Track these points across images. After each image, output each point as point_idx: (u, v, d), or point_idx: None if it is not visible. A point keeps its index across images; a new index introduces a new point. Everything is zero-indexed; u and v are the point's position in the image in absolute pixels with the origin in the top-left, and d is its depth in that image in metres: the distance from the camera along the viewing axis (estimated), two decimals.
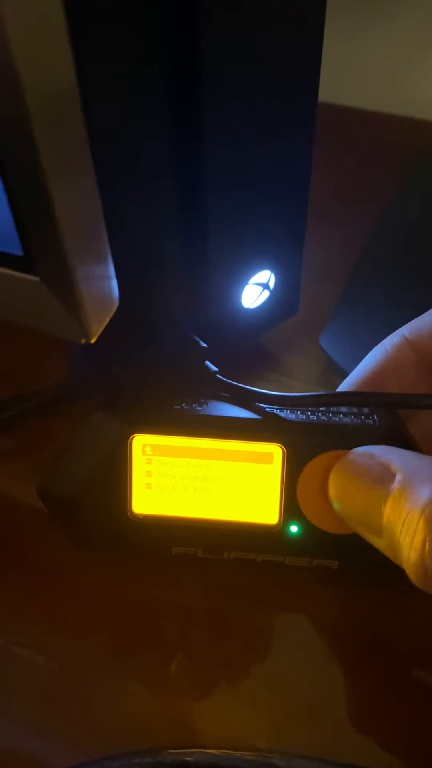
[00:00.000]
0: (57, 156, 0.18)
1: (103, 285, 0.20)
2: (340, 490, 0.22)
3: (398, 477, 0.19)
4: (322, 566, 0.24)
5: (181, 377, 0.27)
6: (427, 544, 0.18)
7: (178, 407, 0.25)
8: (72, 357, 0.33)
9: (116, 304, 0.21)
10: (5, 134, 0.17)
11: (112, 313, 0.21)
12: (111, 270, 0.21)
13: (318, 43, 0.24)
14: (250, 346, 0.33)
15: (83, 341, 0.20)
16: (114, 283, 0.21)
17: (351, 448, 0.23)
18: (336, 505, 0.22)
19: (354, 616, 0.25)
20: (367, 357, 0.26)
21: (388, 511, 0.19)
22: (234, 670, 0.24)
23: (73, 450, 0.25)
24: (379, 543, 0.20)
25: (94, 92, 0.19)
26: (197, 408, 0.25)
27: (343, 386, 0.26)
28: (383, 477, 0.20)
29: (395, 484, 0.19)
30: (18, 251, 0.19)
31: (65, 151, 0.18)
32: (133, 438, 0.24)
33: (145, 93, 0.21)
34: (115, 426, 0.24)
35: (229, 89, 0.23)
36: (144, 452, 0.24)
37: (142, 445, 0.24)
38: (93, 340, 0.20)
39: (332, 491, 0.22)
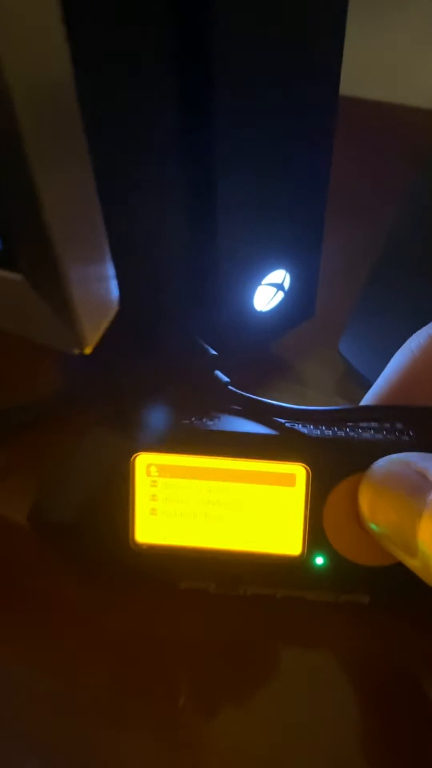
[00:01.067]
0: (45, 141, 0.15)
1: (100, 286, 0.17)
2: (370, 502, 0.19)
3: None
4: (350, 602, 0.22)
5: (189, 388, 0.24)
6: None
7: (187, 422, 0.22)
8: (69, 364, 0.30)
9: (115, 307, 0.18)
10: None
11: (109, 319, 0.18)
12: (109, 269, 0.18)
13: (340, 32, 0.22)
14: (263, 353, 0.31)
15: (76, 351, 0.17)
16: (113, 283, 0.18)
17: None
18: (367, 520, 0.19)
19: (385, 657, 0.22)
20: (391, 361, 0.23)
21: (423, 527, 0.17)
22: (251, 719, 0.21)
23: (68, 470, 0.23)
24: (413, 564, 0.18)
25: (92, 78, 0.16)
26: (208, 423, 0.22)
27: (369, 397, 0.23)
28: (420, 487, 0.17)
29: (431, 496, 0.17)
30: None
31: (56, 138, 0.15)
32: (136, 457, 0.21)
33: (150, 79, 0.19)
34: (115, 443, 0.21)
35: (243, 76, 0.20)
36: (148, 473, 0.21)
37: (147, 465, 0.21)
38: (88, 350, 0.17)
39: (362, 503, 0.19)
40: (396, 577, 0.19)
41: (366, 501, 0.19)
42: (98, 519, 0.22)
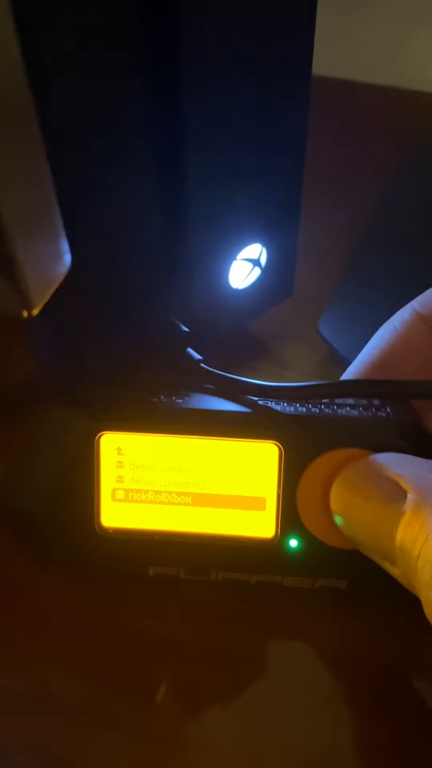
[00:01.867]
0: None
1: (48, 249, 0.16)
2: (344, 507, 0.18)
3: (410, 496, 0.16)
4: (326, 587, 0.21)
5: (159, 365, 0.23)
6: None
7: (155, 400, 0.21)
8: (38, 351, 0.29)
9: (65, 270, 0.17)
10: None
11: (58, 282, 0.17)
12: (59, 234, 0.17)
13: (312, 5, 0.21)
14: (239, 333, 0.30)
15: (24, 313, 0.16)
16: (63, 243, 0.17)
17: (361, 446, 0.19)
18: (340, 522, 0.18)
19: (366, 646, 0.21)
20: (374, 337, 0.22)
21: (401, 536, 0.16)
22: (227, 714, 0.20)
23: (32, 454, 0.21)
24: (393, 572, 0.17)
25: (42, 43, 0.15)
26: (178, 401, 0.21)
27: (349, 373, 0.22)
28: (394, 495, 0.17)
29: (408, 505, 0.16)
30: None
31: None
32: (101, 436, 0.20)
33: (113, 42, 0.18)
34: (79, 422, 0.20)
35: (213, 36, 0.19)
36: (114, 453, 0.20)
37: (112, 444, 0.20)
38: (35, 312, 0.16)
39: (335, 506, 0.19)
40: (373, 562, 0.18)
41: (338, 502, 0.19)
42: (62, 504, 0.21)
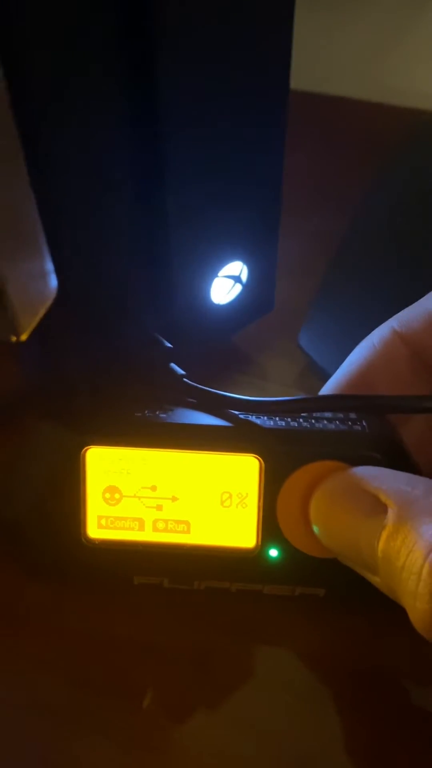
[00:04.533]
0: None
1: (35, 274, 0.17)
2: (324, 519, 0.19)
3: (391, 511, 0.17)
4: (306, 594, 0.21)
5: (143, 381, 0.23)
6: None
7: (139, 415, 0.21)
8: (23, 363, 0.30)
9: (52, 295, 0.18)
10: None
11: (46, 307, 0.17)
12: (45, 258, 0.17)
13: (289, 18, 0.22)
14: (222, 346, 0.30)
15: (13, 339, 0.16)
16: (49, 271, 0.17)
17: (338, 459, 0.20)
18: (320, 535, 0.19)
19: (345, 649, 0.22)
20: (352, 353, 0.23)
21: (382, 548, 0.17)
22: (211, 719, 0.21)
23: (19, 466, 0.22)
24: (374, 580, 0.18)
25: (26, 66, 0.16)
26: (161, 416, 0.21)
27: (327, 388, 0.23)
28: (374, 508, 0.17)
29: (389, 519, 0.17)
30: None
31: None
32: (86, 451, 0.21)
33: (94, 64, 0.18)
34: (65, 437, 0.21)
35: (189, 63, 0.20)
36: (100, 467, 0.21)
37: (98, 458, 0.21)
38: (24, 337, 0.17)
39: (314, 517, 0.19)
40: (350, 571, 0.19)
41: (318, 516, 0.19)
42: (49, 515, 0.21)
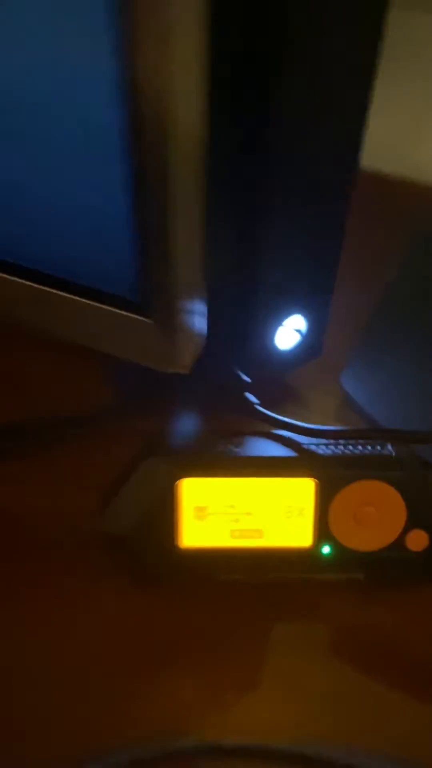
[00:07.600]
0: (181, 206, 0.21)
1: (197, 322, 0.23)
2: None
3: None
4: (350, 579, 0.28)
5: (224, 407, 0.30)
6: None
7: (219, 451, 0.28)
8: (115, 377, 0.35)
9: (204, 338, 0.24)
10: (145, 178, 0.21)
11: (202, 346, 0.24)
12: (204, 306, 0.24)
13: (364, 105, 0.28)
14: (277, 382, 0.36)
15: (179, 372, 0.23)
16: (205, 318, 0.24)
17: (374, 478, 0.27)
18: None
19: (373, 620, 0.28)
20: None
21: None
22: (267, 680, 0.27)
23: (125, 492, 0.28)
24: None
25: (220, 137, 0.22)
26: (236, 450, 0.28)
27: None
28: None
29: None
30: (133, 297, 0.22)
31: (186, 199, 0.21)
32: (181, 482, 0.27)
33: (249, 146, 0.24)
34: (165, 471, 0.27)
35: (294, 147, 0.26)
36: (191, 493, 0.27)
37: (190, 487, 0.27)
38: (185, 371, 0.23)
39: None
40: (383, 559, 0.26)
41: None
42: (150, 531, 0.28)
